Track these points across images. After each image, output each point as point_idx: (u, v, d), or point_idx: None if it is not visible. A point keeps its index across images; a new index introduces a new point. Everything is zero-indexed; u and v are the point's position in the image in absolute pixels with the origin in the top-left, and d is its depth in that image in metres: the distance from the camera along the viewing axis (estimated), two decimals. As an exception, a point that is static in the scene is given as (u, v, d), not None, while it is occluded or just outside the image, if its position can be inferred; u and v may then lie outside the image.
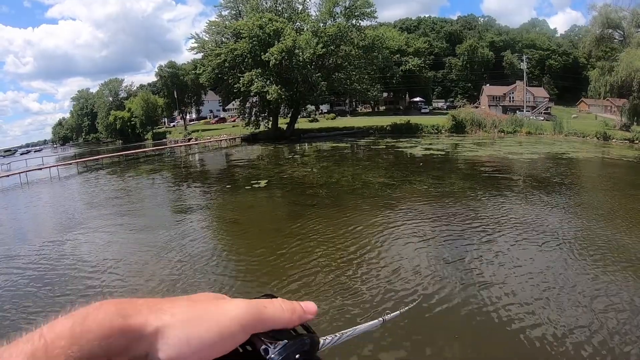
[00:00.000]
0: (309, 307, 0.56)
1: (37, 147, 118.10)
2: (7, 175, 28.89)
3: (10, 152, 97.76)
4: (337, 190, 16.58)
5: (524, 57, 66.55)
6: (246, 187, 18.19)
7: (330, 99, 61.28)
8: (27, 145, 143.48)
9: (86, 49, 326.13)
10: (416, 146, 32.61)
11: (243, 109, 50.16)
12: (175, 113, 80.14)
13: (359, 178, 19.20)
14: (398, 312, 0.93)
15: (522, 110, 59.03)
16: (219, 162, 33.85)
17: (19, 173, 28.81)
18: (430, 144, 33.96)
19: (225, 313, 0.48)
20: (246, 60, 43.49)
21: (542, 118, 53.49)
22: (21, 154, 78.37)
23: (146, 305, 0.46)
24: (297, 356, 0.49)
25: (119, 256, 9.70)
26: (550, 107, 65.19)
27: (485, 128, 44.55)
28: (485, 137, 41.18)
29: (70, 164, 36.67)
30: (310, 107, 54.30)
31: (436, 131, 45.31)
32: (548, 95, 69.36)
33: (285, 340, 0.50)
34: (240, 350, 0.50)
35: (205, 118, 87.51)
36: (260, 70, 42.60)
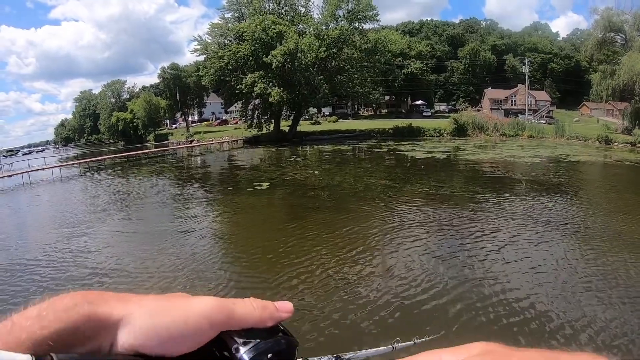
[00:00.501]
0: (284, 306, 0.55)
1: (40, 148, 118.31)
2: (10, 175, 29.02)
3: (12, 152, 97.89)
4: (339, 192, 16.62)
5: (526, 61, 66.74)
6: (248, 189, 18.26)
7: (332, 102, 61.33)
8: (30, 146, 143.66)
9: (88, 50, 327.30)
10: (418, 149, 32.64)
11: (245, 111, 50.22)
12: (178, 115, 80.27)
13: (360, 180, 19.27)
14: (412, 342, 0.87)
15: (524, 114, 59.06)
16: (221, 164, 33.96)
17: (22, 173, 28.92)
18: (432, 147, 34.00)
19: (193, 307, 0.48)
20: (249, 62, 43.66)
21: (543, 121, 53.46)
22: (23, 154, 78.26)
23: (115, 296, 0.47)
24: (269, 356, 0.49)
25: (120, 254, 9.78)
26: (552, 110, 65.15)
27: (487, 131, 44.62)
28: (486, 140, 41.18)
29: (73, 164, 36.90)
30: (312, 110, 54.35)
31: (438, 134, 45.35)
32: (550, 99, 69.35)
33: (258, 340, 0.50)
34: (215, 351, 0.50)
35: (208, 120, 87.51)
36: (262, 73, 42.77)
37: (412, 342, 0.86)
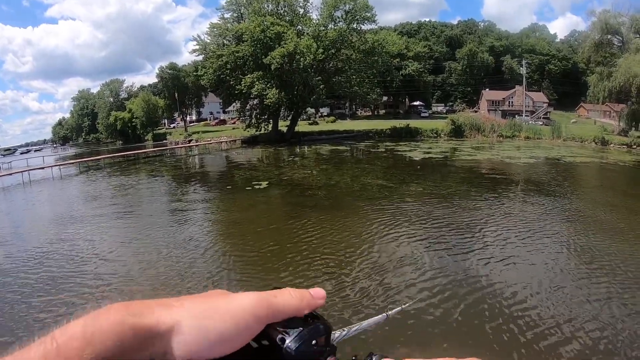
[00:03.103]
0: (318, 293, 0.56)
1: (37, 147, 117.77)
2: (10, 174, 29.12)
3: (10, 151, 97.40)
4: (335, 192, 16.78)
5: (524, 62, 66.90)
6: (247, 188, 18.35)
7: (329, 102, 61.48)
8: (27, 145, 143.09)
9: (86, 49, 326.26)
10: (415, 150, 32.80)
11: (243, 111, 50.38)
12: (176, 114, 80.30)
13: (357, 180, 19.39)
14: (400, 307, 0.95)
15: (521, 115, 59.28)
16: (220, 164, 34.17)
17: (22, 172, 29.00)
18: (429, 148, 34.15)
19: (238, 304, 0.48)
20: (248, 63, 43.76)
21: (540, 123, 53.76)
22: (21, 153, 78.36)
23: (157, 303, 0.47)
24: (313, 342, 0.50)
25: (118, 252, 9.90)
26: (549, 112, 65.45)
27: (484, 132, 44.81)
28: (483, 141, 41.38)
29: (72, 163, 36.91)
30: (311, 110, 54.44)
31: (435, 135, 45.52)
32: (547, 100, 69.62)
33: (300, 328, 0.51)
34: (256, 345, 0.51)
35: (206, 120, 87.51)
36: (261, 73, 42.87)
37: (400, 307, 0.93)
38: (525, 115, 59.22)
